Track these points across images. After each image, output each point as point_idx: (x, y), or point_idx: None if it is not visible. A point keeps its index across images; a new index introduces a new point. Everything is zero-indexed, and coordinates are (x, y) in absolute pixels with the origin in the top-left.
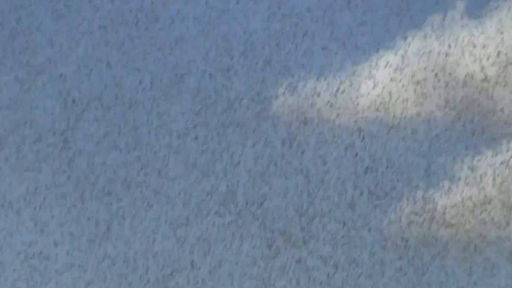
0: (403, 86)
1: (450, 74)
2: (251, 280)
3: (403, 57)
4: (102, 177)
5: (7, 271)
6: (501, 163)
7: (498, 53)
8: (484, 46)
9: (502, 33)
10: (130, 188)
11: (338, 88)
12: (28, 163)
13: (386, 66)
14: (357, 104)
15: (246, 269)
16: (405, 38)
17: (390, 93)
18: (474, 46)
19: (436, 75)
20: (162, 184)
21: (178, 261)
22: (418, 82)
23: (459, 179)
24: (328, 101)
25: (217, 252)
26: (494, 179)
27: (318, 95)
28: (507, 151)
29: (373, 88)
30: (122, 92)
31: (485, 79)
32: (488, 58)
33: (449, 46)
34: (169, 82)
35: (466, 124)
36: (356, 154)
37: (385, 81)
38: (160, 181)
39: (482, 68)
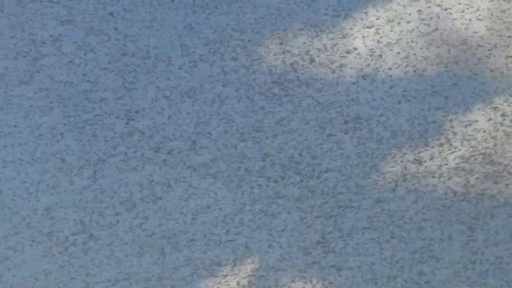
0: (391, 43)
1: (442, 30)
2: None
3: (394, 12)
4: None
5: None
6: (491, 119)
7: (491, 8)
8: (479, 3)
9: None
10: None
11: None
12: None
13: (374, 24)
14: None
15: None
16: None
17: (378, 50)
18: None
19: (428, 31)
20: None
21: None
22: (408, 39)
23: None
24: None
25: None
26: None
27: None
28: (498, 107)
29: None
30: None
31: (478, 36)
32: (480, 14)
33: (441, 1)
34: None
35: (457, 81)
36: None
37: (375, 38)
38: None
39: (474, 24)
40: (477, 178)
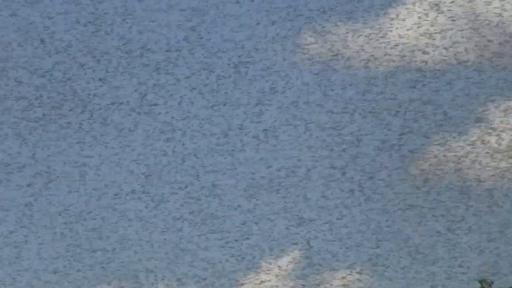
0: (434, 30)
1: (483, 19)
2: None
3: (437, 2)
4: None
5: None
6: None
7: None
8: None
9: None
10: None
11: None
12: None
13: (416, 10)
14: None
15: None
16: None
17: (421, 37)
18: None
19: (468, 20)
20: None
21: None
22: (449, 27)
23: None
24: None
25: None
26: None
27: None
28: None
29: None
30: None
31: None
32: None
33: None
34: None
35: (498, 69)
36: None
37: (414, 26)
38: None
39: None
40: None
